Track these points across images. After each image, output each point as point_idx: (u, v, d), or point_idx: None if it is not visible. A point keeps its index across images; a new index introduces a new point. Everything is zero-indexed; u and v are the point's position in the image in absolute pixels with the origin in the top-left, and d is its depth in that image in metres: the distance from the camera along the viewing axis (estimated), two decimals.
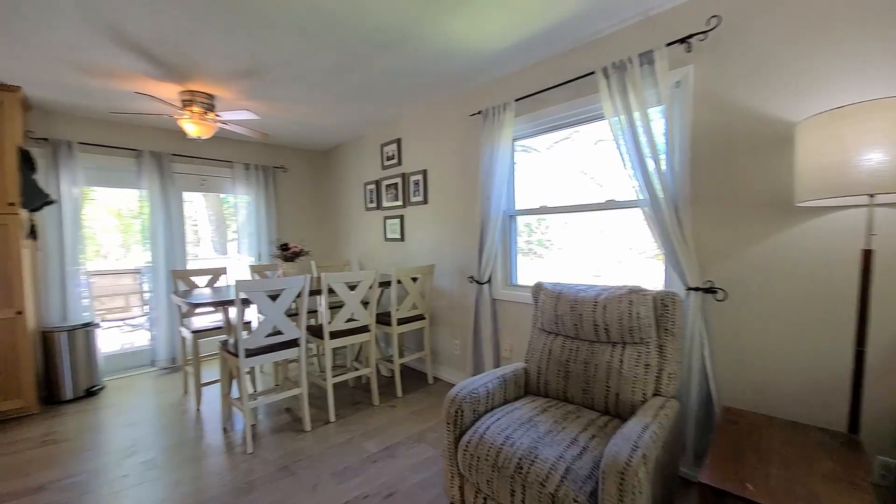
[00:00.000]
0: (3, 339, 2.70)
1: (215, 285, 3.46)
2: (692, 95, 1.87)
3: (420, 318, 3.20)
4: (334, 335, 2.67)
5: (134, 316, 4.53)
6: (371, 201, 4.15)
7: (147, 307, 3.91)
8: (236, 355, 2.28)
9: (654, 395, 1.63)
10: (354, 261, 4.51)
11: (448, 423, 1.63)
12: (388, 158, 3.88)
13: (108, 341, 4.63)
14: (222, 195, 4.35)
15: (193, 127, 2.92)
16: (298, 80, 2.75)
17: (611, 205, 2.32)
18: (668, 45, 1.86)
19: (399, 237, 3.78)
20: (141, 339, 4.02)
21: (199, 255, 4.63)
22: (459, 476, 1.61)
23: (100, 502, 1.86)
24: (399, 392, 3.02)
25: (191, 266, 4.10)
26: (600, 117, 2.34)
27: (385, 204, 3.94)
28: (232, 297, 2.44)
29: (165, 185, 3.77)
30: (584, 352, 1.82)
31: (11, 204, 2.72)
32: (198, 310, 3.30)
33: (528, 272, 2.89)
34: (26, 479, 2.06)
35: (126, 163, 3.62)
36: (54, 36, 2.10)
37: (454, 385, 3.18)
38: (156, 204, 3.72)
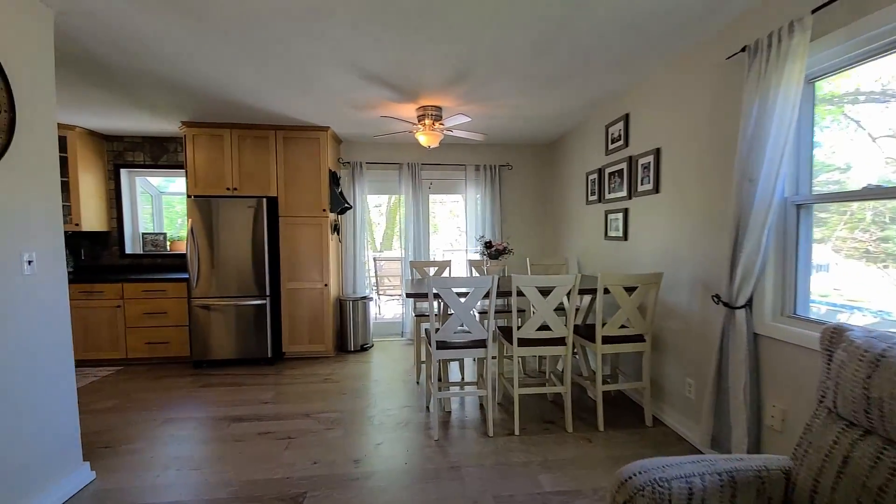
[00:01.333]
0: (316, 302, 3.97)
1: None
2: None
3: (636, 338, 2.52)
4: (523, 342, 2.47)
5: (399, 294, 5.79)
6: (592, 193, 3.63)
7: (402, 294, 4.86)
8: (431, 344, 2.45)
9: None
10: (573, 260, 4.09)
11: None
12: (613, 140, 3.26)
13: (386, 309, 6.16)
14: (456, 195, 4.87)
15: (424, 137, 3.34)
16: (504, 72, 2.65)
17: None
18: None
19: (621, 235, 3.12)
20: (399, 312, 5.07)
21: (441, 247, 5.38)
22: None
23: (325, 436, 2.41)
24: (601, 424, 2.49)
25: (434, 258, 4.80)
26: None
27: (607, 195, 3.35)
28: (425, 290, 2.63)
29: (416, 189, 4.55)
30: None
31: (324, 210, 3.93)
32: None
33: (829, 297, 1.74)
34: (302, 405, 2.92)
35: (392, 174, 4.59)
36: (327, 82, 2.83)
37: (679, 434, 2.35)
38: (409, 205, 4.55)
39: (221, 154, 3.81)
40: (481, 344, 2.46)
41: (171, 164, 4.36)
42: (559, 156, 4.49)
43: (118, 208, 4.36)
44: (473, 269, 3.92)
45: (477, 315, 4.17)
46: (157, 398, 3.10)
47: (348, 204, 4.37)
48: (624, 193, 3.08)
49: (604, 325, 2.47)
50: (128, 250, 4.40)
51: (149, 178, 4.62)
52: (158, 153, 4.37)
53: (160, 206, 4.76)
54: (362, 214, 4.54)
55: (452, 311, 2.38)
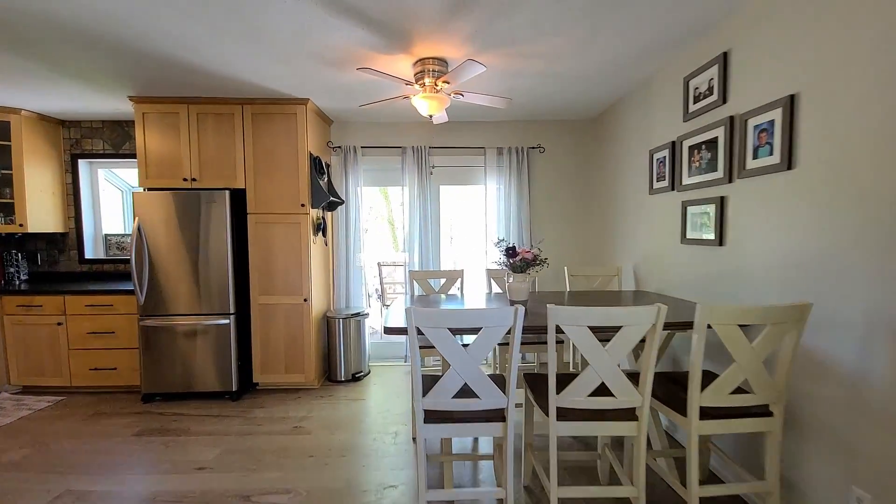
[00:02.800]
0: (294, 321, 3.15)
1: (449, 291, 2.99)
2: None
3: (758, 411, 1.51)
4: (566, 414, 1.51)
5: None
6: (660, 177, 2.60)
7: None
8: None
9: None
10: (628, 270, 3.07)
11: None
12: (697, 97, 2.22)
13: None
14: (473, 187, 3.93)
15: (425, 103, 2.44)
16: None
17: None
18: None
19: (712, 238, 2.09)
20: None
21: (455, 252, 4.47)
22: None
23: None
24: None
25: (444, 262, 3.89)
26: None
27: (686, 180, 2.32)
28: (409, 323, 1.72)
29: (423, 178, 3.65)
30: None
31: (303, 205, 3.10)
32: None
33: None
34: (247, 477, 2.09)
35: (393, 161, 3.71)
36: (277, 23, 1.97)
37: None
38: (413, 200, 3.66)
39: (177, 136, 3.05)
40: (497, 416, 1.53)
41: (135, 153, 3.67)
42: (607, 132, 3.45)
43: (76, 206, 3.72)
44: (493, 283, 2.97)
45: (490, 358, 3.21)
46: (74, 451, 2.37)
47: (338, 198, 3.53)
48: (718, 174, 2.05)
49: (702, 389, 1.48)
50: (88, 255, 3.76)
51: (116, 171, 3.97)
52: (120, 140, 3.70)
53: (131, 203, 4.10)
54: (356, 211, 3.69)
55: (449, 362, 1.46)
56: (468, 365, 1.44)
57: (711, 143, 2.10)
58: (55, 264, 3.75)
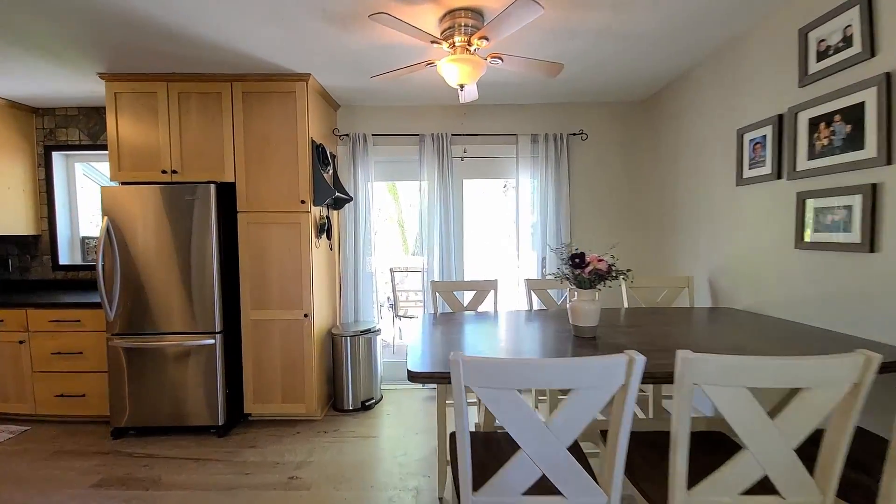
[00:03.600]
0: (292, 340, 2.63)
1: (478, 309, 2.44)
2: None
3: None
4: None
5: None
6: (755, 163, 2.02)
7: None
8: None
9: None
10: (700, 281, 2.49)
11: None
12: (826, 53, 1.65)
13: (410, 335, 4.76)
14: (500, 180, 3.38)
15: (455, 69, 1.91)
16: None
17: None
18: None
19: (857, 240, 1.52)
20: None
21: (476, 256, 3.92)
22: None
23: None
24: None
25: (468, 269, 3.35)
26: None
27: (804, 164, 1.74)
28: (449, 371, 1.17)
29: (445, 171, 3.11)
30: None
31: (303, 202, 2.59)
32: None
33: None
34: None
35: (409, 152, 3.18)
36: None
37: None
38: (434, 197, 3.13)
39: (155, 120, 2.57)
40: None
41: None
42: (666, 114, 2.88)
43: (50, 204, 3.26)
44: (534, 297, 2.42)
45: (579, 429, 2.20)
46: None
47: (345, 194, 3.01)
48: (866, 153, 1.48)
49: None
50: (63, 260, 3.30)
51: (94, 164, 3.51)
52: (98, 129, 3.23)
53: None
54: (367, 208, 3.17)
55: (519, 441, 0.91)
56: (549, 447, 0.89)
57: (852, 112, 1.53)
58: (27, 271, 3.29)
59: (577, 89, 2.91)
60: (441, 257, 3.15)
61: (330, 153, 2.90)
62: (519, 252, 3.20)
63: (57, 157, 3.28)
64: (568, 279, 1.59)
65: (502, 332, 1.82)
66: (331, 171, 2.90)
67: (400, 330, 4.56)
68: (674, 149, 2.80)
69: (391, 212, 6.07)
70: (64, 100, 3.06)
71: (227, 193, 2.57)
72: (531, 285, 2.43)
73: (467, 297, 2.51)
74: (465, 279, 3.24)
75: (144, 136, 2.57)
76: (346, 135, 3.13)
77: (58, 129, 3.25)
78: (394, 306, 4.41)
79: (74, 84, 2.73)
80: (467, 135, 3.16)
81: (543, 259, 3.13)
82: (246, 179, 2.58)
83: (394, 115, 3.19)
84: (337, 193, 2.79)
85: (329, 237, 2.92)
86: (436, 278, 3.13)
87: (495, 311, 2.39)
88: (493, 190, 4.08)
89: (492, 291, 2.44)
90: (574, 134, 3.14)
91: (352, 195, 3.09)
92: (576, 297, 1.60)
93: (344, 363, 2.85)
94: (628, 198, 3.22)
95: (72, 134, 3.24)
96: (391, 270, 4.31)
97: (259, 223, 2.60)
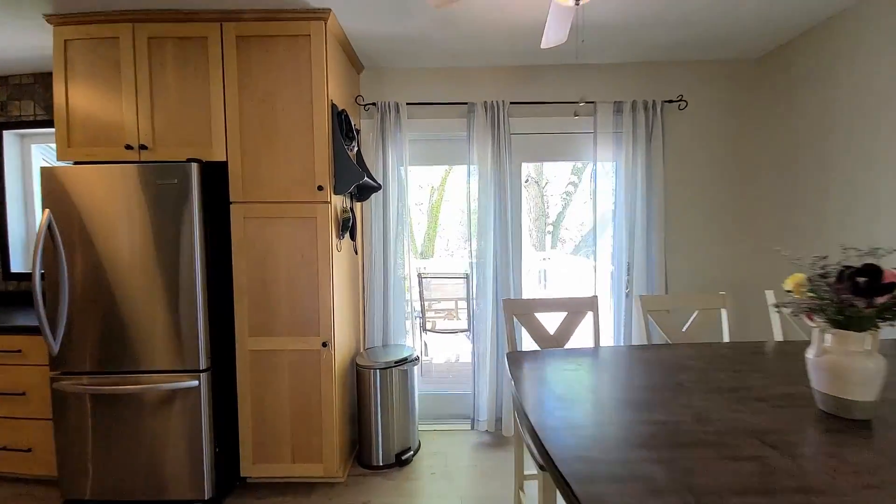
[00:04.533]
0: (306, 379, 1.92)
1: (566, 344, 1.72)
2: None
3: None
4: None
5: (459, 329, 3.67)
6: None
7: (470, 332, 2.73)
8: None
9: None
10: None
11: None
12: None
13: (437, 354, 4.06)
14: (569, 163, 2.65)
15: None
16: None
17: None
18: None
19: None
20: (462, 376, 2.95)
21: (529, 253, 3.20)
22: None
23: None
24: None
25: (526, 280, 2.63)
26: None
27: None
28: None
29: (501, 150, 2.39)
30: None
31: (321, 188, 1.88)
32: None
33: None
34: None
35: (455, 125, 2.47)
36: None
37: None
38: (486, 186, 2.41)
39: (117, 77, 1.87)
40: None
41: None
42: (807, 70, 2.14)
43: None
44: (653, 323, 1.69)
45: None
46: None
47: (374, 181, 2.30)
48: None
49: None
50: (15, 267, 2.63)
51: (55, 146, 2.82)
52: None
53: None
54: (400, 199, 2.46)
55: None
56: None
57: None
58: None
59: (677, 41, 2.18)
60: (495, 263, 2.42)
61: (355, 127, 2.19)
62: (596, 259, 2.48)
63: (9, 137, 2.61)
64: (817, 311, 0.86)
65: (659, 397, 1.10)
66: (355, 150, 2.19)
67: (426, 345, 3.86)
68: (817, 120, 2.05)
69: (418, 198, 5.36)
70: (14, 64, 2.39)
71: (216, 177, 1.86)
72: (646, 305, 1.70)
73: (548, 319, 1.78)
74: (531, 298, 2.52)
75: (103, 99, 1.87)
76: (373, 104, 2.42)
77: (10, 103, 2.57)
78: (422, 320, 3.71)
79: (21, 36, 2.05)
80: (529, 103, 2.43)
81: (629, 265, 2.39)
82: (242, 157, 1.87)
83: (434, 79, 2.48)
84: (365, 178, 2.08)
85: (353, 237, 2.21)
86: (489, 290, 2.42)
87: (596, 342, 1.67)
88: (556, 174, 3.36)
89: (590, 314, 1.71)
90: (670, 101, 2.40)
91: (380, 182, 2.38)
92: (831, 342, 0.88)
93: (372, 404, 2.14)
94: (748, 185, 2.47)
95: (25, 107, 2.56)
96: (420, 276, 3.60)
97: (261, 217, 1.89)
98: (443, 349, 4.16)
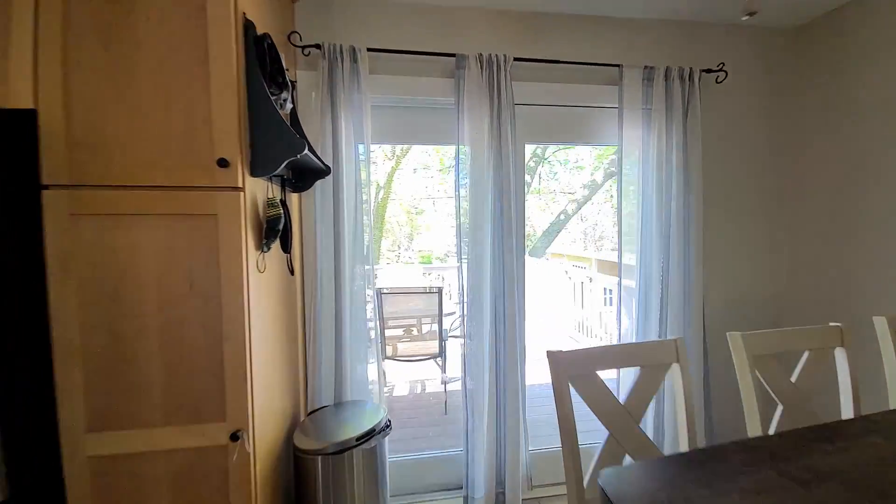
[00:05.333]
0: (199, 491, 1.10)
1: (641, 419, 1.09)
2: None
3: None
4: None
5: (428, 354, 2.96)
6: None
7: (442, 358, 2.04)
8: None
9: None
10: None
11: None
12: None
13: (402, 388, 3.32)
14: (594, 147, 2.06)
15: None
16: None
17: None
18: None
19: None
20: (434, 410, 2.26)
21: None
22: None
23: None
24: None
25: (529, 294, 1.99)
26: None
27: None
28: None
29: (499, 125, 1.72)
30: None
31: (224, 163, 1.06)
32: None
33: None
34: None
35: (437, 87, 1.75)
36: None
37: None
38: (483, 166, 1.73)
39: None
40: None
41: None
42: (866, 38, 1.74)
43: None
44: (763, 380, 1.12)
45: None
46: None
47: (318, 160, 1.50)
48: None
49: None
50: None
51: None
52: None
53: None
54: (358, 191, 1.69)
55: None
56: None
57: None
58: None
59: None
60: (493, 270, 1.75)
61: (286, 70, 1.37)
62: (621, 266, 1.91)
63: None
64: None
65: None
66: (289, 107, 1.39)
67: (384, 374, 3.09)
68: (881, 98, 1.66)
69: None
70: None
71: (13, 139, 0.97)
72: (751, 347, 1.13)
73: (610, 376, 1.14)
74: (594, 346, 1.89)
75: None
76: (316, 46, 1.61)
77: None
78: (381, 342, 2.93)
79: None
80: (538, 61, 1.79)
81: (663, 270, 1.86)
82: (68, 102, 1.00)
83: (408, 18, 1.74)
84: (307, 152, 1.28)
85: (287, 247, 1.40)
86: (486, 316, 1.74)
87: (708, 415, 1.06)
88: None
89: (675, 366, 1.10)
90: (708, 71, 1.90)
91: (328, 164, 1.59)
92: None
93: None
94: (802, 176, 2.03)
95: None
96: (379, 293, 2.82)
97: (107, 214, 1.03)
98: (404, 377, 3.43)
